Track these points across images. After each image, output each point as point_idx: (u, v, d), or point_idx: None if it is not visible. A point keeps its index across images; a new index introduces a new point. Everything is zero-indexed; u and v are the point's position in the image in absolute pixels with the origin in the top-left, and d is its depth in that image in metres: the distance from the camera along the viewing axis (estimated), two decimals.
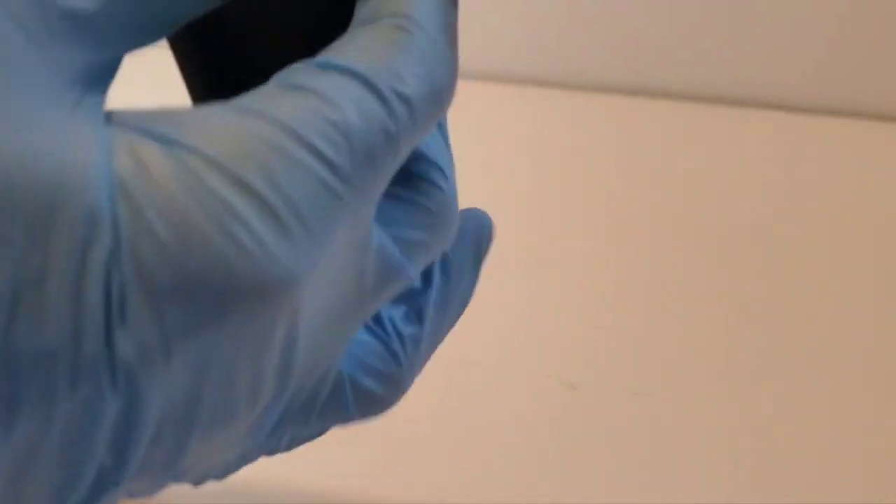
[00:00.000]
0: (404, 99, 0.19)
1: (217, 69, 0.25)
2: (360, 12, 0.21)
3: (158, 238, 0.16)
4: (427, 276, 0.25)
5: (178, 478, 0.20)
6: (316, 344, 0.20)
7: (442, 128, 0.24)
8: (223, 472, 0.22)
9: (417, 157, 0.23)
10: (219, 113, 0.18)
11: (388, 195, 0.21)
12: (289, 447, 0.23)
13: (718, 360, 0.57)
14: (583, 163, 0.85)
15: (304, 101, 0.18)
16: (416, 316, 0.24)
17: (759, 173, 0.84)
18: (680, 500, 0.46)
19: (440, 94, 0.20)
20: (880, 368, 0.57)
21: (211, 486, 0.24)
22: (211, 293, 0.17)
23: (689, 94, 0.99)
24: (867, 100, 0.98)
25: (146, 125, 0.17)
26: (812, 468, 0.49)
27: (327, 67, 0.19)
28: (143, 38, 0.19)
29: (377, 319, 0.24)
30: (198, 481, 0.22)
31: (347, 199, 0.18)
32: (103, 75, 0.18)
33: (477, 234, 0.27)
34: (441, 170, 0.23)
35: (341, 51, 0.20)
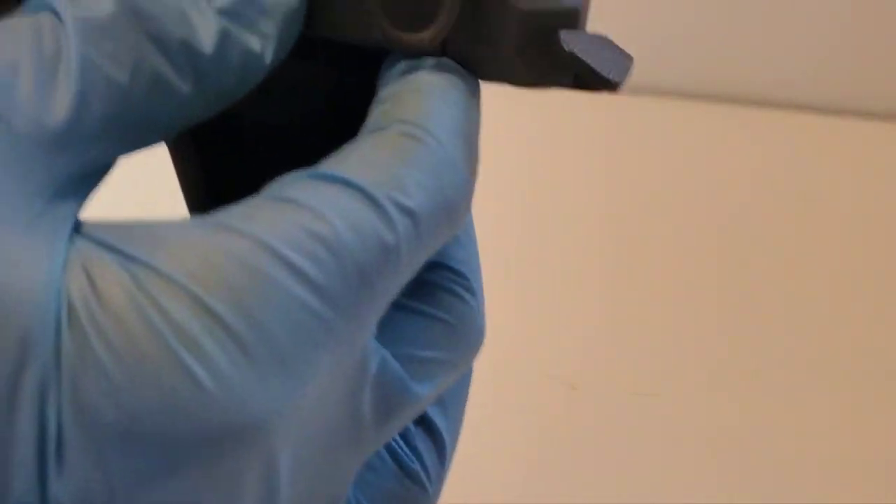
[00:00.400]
0: (407, 211, 0.17)
1: (212, 175, 0.24)
2: (370, 120, 0.19)
3: (104, 370, 0.14)
4: None
5: None
6: (309, 475, 0.17)
7: (469, 234, 0.22)
8: None
9: (436, 266, 0.21)
10: (194, 227, 0.16)
11: (401, 308, 0.20)
12: None
13: (718, 361, 0.57)
14: (583, 163, 0.85)
15: (289, 215, 0.16)
16: (428, 429, 0.22)
17: (762, 173, 0.84)
18: (680, 500, 0.46)
19: (451, 207, 0.18)
20: (882, 369, 0.57)
21: None
22: (162, 439, 0.14)
23: (691, 93, 0.99)
24: (874, 99, 0.98)
25: (111, 239, 0.15)
26: (812, 468, 0.49)
27: (320, 178, 0.17)
28: (128, 146, 0.17)
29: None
30: None
31: (335, 324, 0.16)
32: (85, 182, 0.17)
33: None
34: (465, 279, 0.21)
35: (341, 160, 0.18)
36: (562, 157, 0.73)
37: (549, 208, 0.70)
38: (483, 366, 0.60)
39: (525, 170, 0.71)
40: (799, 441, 0.51)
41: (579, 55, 0.20)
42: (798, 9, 0.98)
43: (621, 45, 0.21)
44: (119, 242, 0.15)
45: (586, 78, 0.20)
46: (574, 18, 0.21)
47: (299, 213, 0.16)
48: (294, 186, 0.17)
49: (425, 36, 0.20)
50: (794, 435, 0.51)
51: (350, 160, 0.17)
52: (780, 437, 0.51)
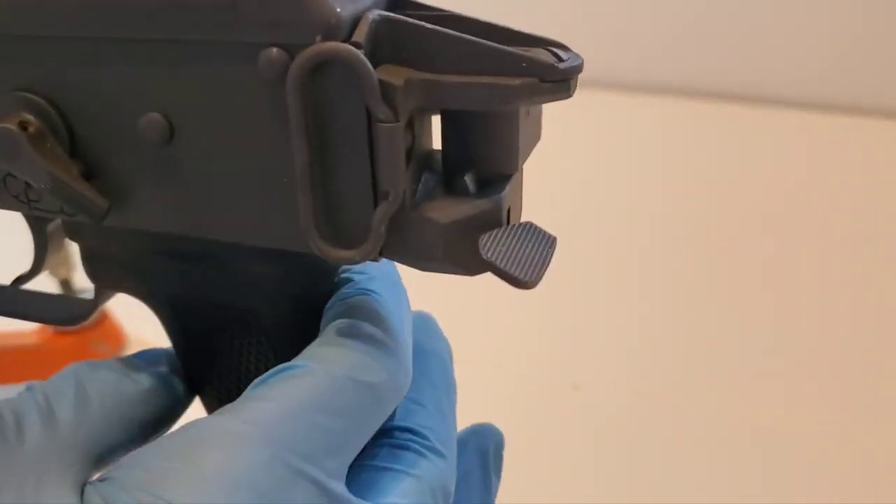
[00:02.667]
0: (366, 384, 0.23)
1: (191, 339, 0.29)
2: (328, 323, 0.25)
3: None
4: None
5: None
6: None
7: (439, 405, 0.27)
8: None
9: (406, 430, 0.25)
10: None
11: (376, 468, 0.24)
12: None
13: (718, 361, 0.57)
14: (582, 163, 0.85)
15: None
16: None
17: (761, 172, 0.84)
18: (681, 497, 0.46)
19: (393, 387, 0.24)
20: (882, 368, 0.57)
21: None
22: None
23: (692, 91, 0.99)
24: (876, 97, 0.97)
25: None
26: (812, 467, 0.49)
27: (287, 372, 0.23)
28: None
29: None
30: None
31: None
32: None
33: (483, 448, 0.29)
34: (428, 440, 0.25)
35: (307, 357, 0.24)
36: (561, 157, 0.73)
37: (549, 210, 0.70)
38: (489, 367, 0.60)
39: (527, 171, 0.71)
40: (799, 440, 0.51)
41: (495, 262, 0.22)
42: (798, 8, 0.97)
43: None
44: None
45: (504, 277, 0.22)
46: (494, 218, 0.23)
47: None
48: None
49: (356, 255, 0.23)
50: (793, 434, 0.51)
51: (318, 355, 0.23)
52: (779, 435, 0.51)
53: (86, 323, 0.51)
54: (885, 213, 0.76)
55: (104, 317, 0.54)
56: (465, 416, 0.51)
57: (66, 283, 0.52)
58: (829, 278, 0.67)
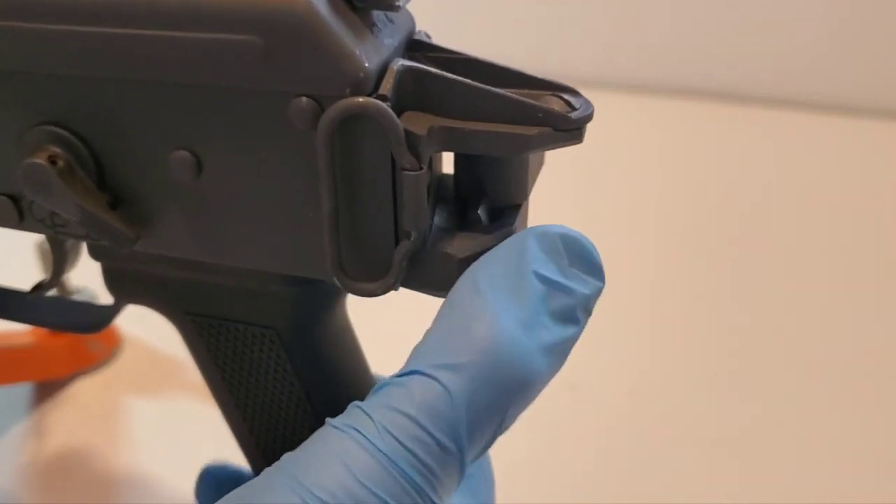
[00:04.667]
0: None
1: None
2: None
3: None
4: None
5: None
6: None
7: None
8: None
9: None
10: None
11: None
12: None
13: (715, 362, 0.57)
14: (580, 163, 0.85)
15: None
16: None
17: (761, 173, 0.84)
18: (676, 499, 0.47)
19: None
20: (881, 368, 0.57)
21: None
22: None
23: (693, 91, 0.99)
24: (875, 97, 0.98)
25: None
26: (810, 467, 0.49)
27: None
28: None
29: None
30: None
31: None
32: None
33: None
34: None
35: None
36: (562, 156, 0.73)
37: (547, 210, 0.70)
38: None
39: None
40: (795, 440, 0.51)
41: None
42: (798, 9, 0.98)
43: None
44: None
45: None
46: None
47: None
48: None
49: (377, 288, 0.24)
50: (790, 434, 0.51)
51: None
52: (778, 435, 0.51)
53: None
54: (884, 213, 0.77)
55: None
56: None
57: (62, 284, 0.52)
58: (828, 279, 0.67)
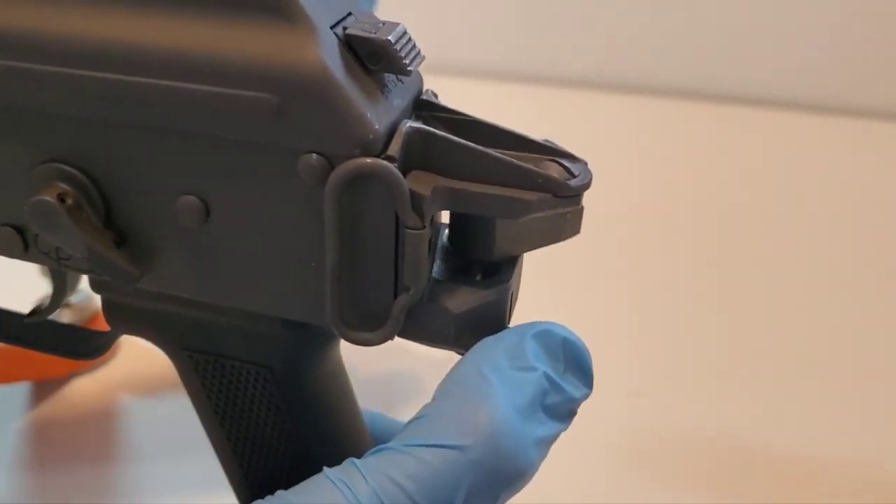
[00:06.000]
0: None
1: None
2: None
3: None
4: None
5: None
6: None
7: None
8: None
9: None
10: None
11: None
12: None
13: (711, 363, 0.58)
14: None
15: None
16: None
17: (759, 173, 0.84)
18: (675, 497, 0.47)
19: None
20: (878, 369, 0.57)
21: None
22: None
23: (691, 92, 0.99)
24: (875, 98, 0.98)
25: None
26: (804, 467, 0.49)
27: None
28: None
29: None
30: None
31: None
32: None
33: None
34: None
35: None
36: None
37: None
38: None
39: None
40: (795, 440, 0.51)
41: None
42: (799, 9, 0.98)
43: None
44: None
45: None
46: (500, 307, 0.26)
47: None
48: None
49: (374, 337, 0.25)
50: (790, 434, 0.51)
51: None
52: (775, 436, 0.51)
53: (77, 322, 0.51)
54: (884, 213, 0.77)
55: (96, 314, 0.54)
56: None
57: None
58: (828, 280, 0.67)
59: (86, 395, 0.52)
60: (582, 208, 0.25)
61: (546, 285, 0.63)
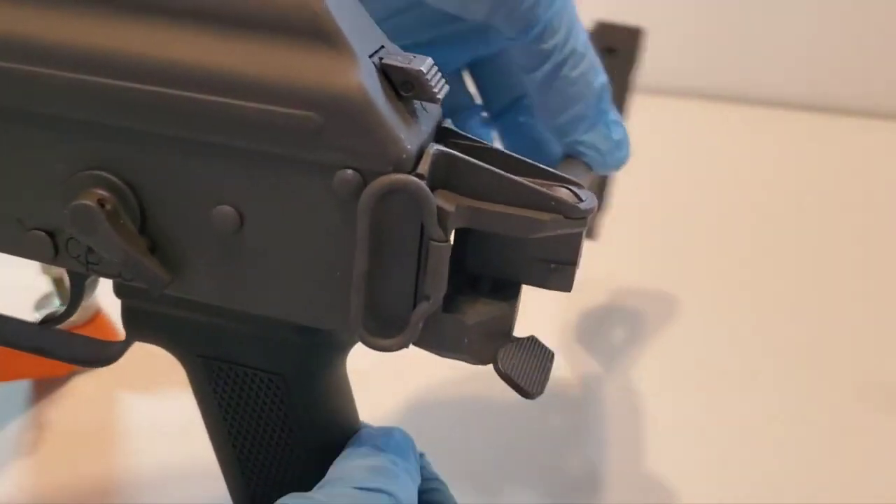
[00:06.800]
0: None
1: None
2: None
3: None
4: None
5: None
6: None
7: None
8: None
9: None
10: None
11: None
12: None
13: (712, 360, 0.58)
14: None
15: None
16: None
17: (759, 173, 0.84)
18: (672, 497, 0.47)
19: None
20: (879, 369, 0.57)
21: None
22: None
23: (692, 93, 0.99)
24: (876, 99, 0.98)
25: None
26: (809, 466, 0.49)
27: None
28: None
29: None
30: None
31: None
32: None
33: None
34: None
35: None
36: None
37: None
38: (486, 370, 0.60)
39: None
40: (798, 438, 0.51)
41: (510, 375, 0.27)
42: (799, 10, 0.98)
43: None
44: None
45: (515, 388, 0.27)
46: (511, 319, 0.28)
47: None
48: None
49: (393, 344, 0.26)
50: (793, 431, 0.52)
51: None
52: (777, 433, 0.51)
53: (78, 321, 0.52)
54: (883, 213, 0.77)
55: (96, 313, 0.54)
56: (458, 417, 0.51)
57: (59, 282, 0.52)
58: (827, 278, 0.67)
59: (86, 394, 0.53)
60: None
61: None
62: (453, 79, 0.42)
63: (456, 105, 0.43)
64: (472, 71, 0.43)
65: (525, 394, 0.27)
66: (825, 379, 0.57)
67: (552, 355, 0.29)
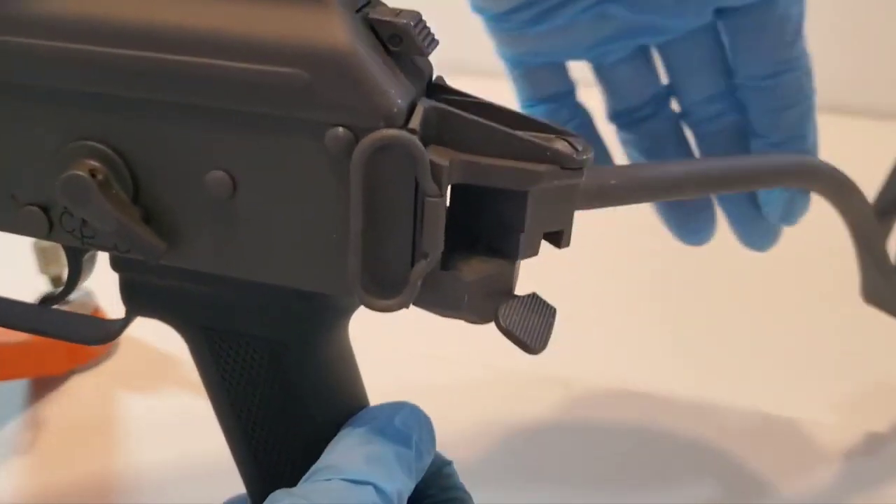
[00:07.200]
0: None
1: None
2: None
3: None
4: None
5: None
6: None
7: None
8: None
9: None
10: None
11: None
12: None
13: (709, 358, 0.58)
14: None
15: None
16: None
17: None
18: (671, 496, 0.47)
19: None
20: (873, 370, 0.57)
21: None
22: None
23: None
24: (875, 98, 0.98)
25: None
26: (801, 464, 0.49)
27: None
28: None
29: None
30: None
31: None
32: None
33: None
34: None
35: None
36: None
37: None
38: (478, 366, 0.60)
39: None
40: (789, 436, 0.51)
41: (512, 330, 0.27)
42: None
43: None
44: None
45: (517, 343, 0.27)
46: (511, 275, 0.27)
47: None
48: None
49: (393, 304, 0.26)
50: (784, 429, 0.51)
51: None
52: (769, 431, 0.51)
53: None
54: None
55: (95, 311, 0.54)
56: (455, 416, 0.51)
57: (56, 280, 0.52)
58: (825, 278, 0.67)
59: (84, 393, 0.53)
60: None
61: (538, 282, 0.64)
62: (638, 62, 0.41)
63: (647, 95, 0.41)
64: (662, 53, 0.41)
65: (527, 349, 0.27)
66: (825, 379, 0.57)
67: (554, 311, 0.29)
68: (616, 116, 0.43)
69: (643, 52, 0.41)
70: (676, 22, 0.38)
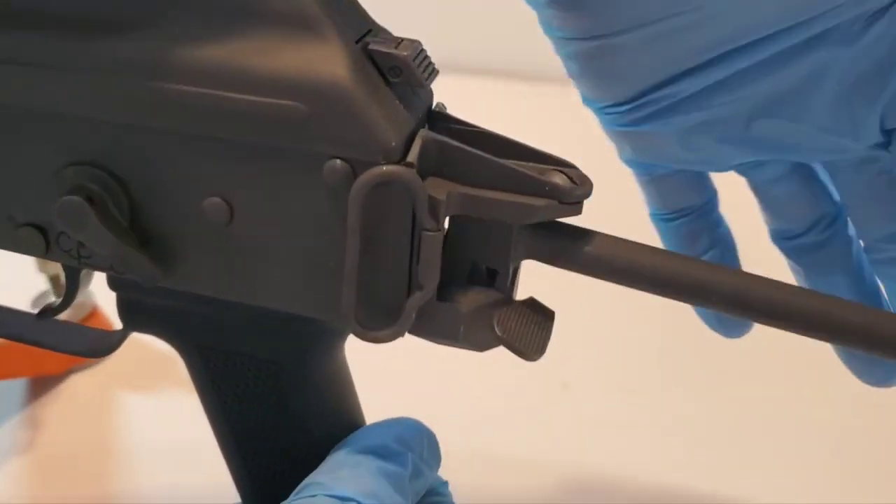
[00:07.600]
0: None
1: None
2: None
3: None
4: None
5: None
6: None
7: None
8: None
9: None
10: None
11: None
12: None
13: (707, 359, 0.58)
14: (579, 160, 0.85)
15: None
16: None
17: None
18: (669, 496, 0.47)
19: None
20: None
21: None
22: None
23: None
24: None
25: None
26: (800, 465, 0.49)
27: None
28: None
29: None
30: None
31: None
32: None
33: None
34: None
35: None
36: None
37: None
38: (476, 366, 0.60)
39: None
40: (784, 437, 0.51)
41: (508, 339, 0.26)
42: None
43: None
44: None
45: (514, 352, 0.27)
46: (506, 301, 0.27)
47: None
48: None
49: (387, 334, 0.26)
50: (779, 431, 0.52)
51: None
52: (765, 432, 0.51)
53: (74, 318, 0.52)
54: None
55: (93, 311, 0.54)
56: (454, 417, 0.51)
57: (55, 280, 0.52)
58: None
59: (83, 392, 0.53)
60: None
61: (536, 284, 0.64)
62: (796, 180, 0.34)
63: (810, 220, 0.33)
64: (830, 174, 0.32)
65: (524, 356, 0.27)
66: (823, 379, 0.57)
67: (553, 314, 0.29)
68: (776, 238, 0.37)
69: (804, 169, 0.33)
70: (826, 140, 0.30)
